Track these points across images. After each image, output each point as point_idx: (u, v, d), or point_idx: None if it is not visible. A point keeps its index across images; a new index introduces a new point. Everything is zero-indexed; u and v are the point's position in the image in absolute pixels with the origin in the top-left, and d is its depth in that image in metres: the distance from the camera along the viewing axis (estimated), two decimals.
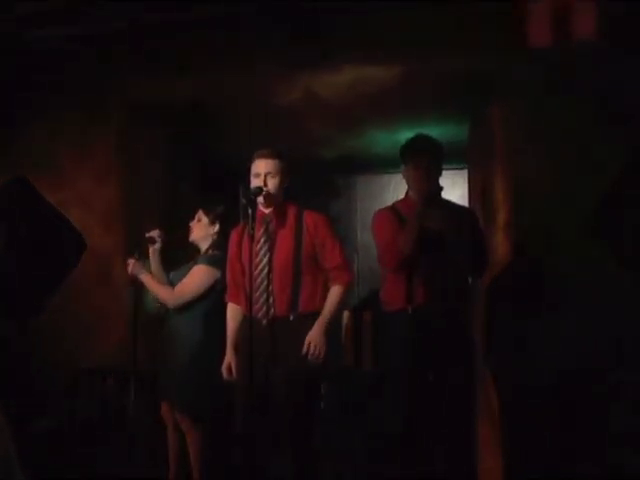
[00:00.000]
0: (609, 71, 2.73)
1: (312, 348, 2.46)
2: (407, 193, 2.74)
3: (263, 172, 2.55)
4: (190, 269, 2.92)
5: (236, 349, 2.60)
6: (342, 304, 2.60)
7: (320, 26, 2.97)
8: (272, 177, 2.55)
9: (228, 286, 2.69)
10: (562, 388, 2.60)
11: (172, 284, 2.96)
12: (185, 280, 2.89)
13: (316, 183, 4.14)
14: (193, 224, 3.01)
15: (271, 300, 2.50)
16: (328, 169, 4.33)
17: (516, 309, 2.76)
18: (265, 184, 2.54)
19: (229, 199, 3.64)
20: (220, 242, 2.92)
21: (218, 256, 2.86)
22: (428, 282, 2.56)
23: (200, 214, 2.99)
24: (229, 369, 2.60)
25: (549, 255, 2.78)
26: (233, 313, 2.67)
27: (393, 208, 2.75)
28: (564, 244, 2.73)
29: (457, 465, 2.55)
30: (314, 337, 2.48)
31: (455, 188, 3.93)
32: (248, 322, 2.42)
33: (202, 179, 3.71)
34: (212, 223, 2.97)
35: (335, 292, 2.55)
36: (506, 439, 2.72)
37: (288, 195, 2.63)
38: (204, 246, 2.99)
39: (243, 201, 2.54)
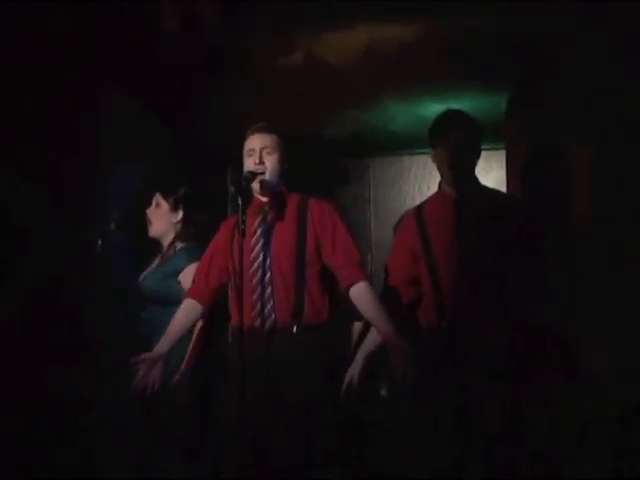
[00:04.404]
0: None
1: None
2: (440, 186, 2.72)
3: (258, 147, 2.57)
4: (168, 271, 2.88)
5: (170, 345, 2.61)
6: (381, 310, 2.49)
7: None
8: (269, 154, 2.58)
9: (196, 281, 2.70)
10: None
11: (145, 287, 2.93)
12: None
13: (320, 167, 4.11)
14: (150, 211, 2.97)
15: (270, 306, 2.52)
16: (335, 150, 4.31)
17: None
18: (261, 161, 2.57)
19: (216, 187, 3.67)
20: (186, 231, 2.94)
21: (194, 248, 2.87)
22: (464, 292, 2.56)
23: (158, 198, 2.95)
24: (155, 365, 2.57)
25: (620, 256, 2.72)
26: (189, 309, 2.66)
27: (419, 213, 2.73)
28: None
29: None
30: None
31: (490, 172, 3.93)
32: (238, 332, 2.41)
33: (185, 161, 3.71)
34: (174, 209, 2.94)
35: (364, 291, 2.48)
36: None
37: (290, 184, 2.65)
38: (168, 238, 2.96)
39: (232, 189, 2.67)
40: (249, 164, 2.60)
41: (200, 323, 2.83)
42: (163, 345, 2.63)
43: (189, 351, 2.83)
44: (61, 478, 2.92)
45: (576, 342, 2.73)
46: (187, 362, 2.82)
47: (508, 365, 2.52)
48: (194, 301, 2.68)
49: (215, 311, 2.77)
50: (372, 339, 2.66)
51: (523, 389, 2.53)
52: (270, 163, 2.58)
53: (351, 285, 2.53)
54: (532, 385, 2.56)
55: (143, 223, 3.04)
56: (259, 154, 2.57)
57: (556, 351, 2.68)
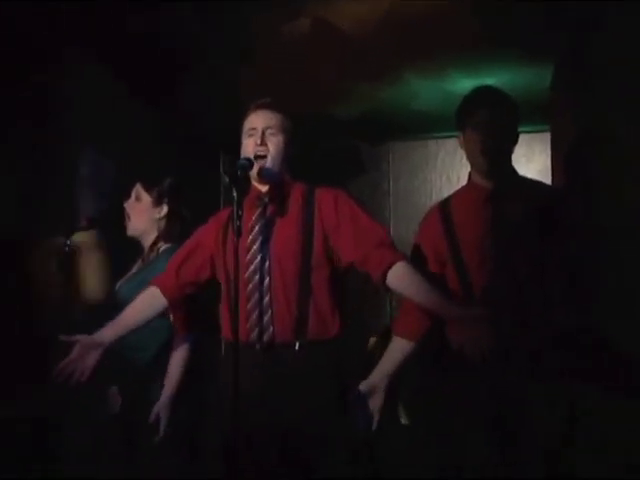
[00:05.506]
0: None
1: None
2: (470, 176, 2.62)
3: (261, 127, 2.48)
4: (150, 277, 2.71)
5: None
6: (428, 285, 2.37)
7: None
8: (273, 135, 2.48)
9: (166, 270, 2.62)
10: None
11: (122, 296, 2.82)
12: None
13: (330, 152, 4.08)
14: (129, 204, 2.89)
15: (267, 317, 2.42)
16: (348, 133, 4.30)
17: None
18: (263, 142, 2.46)
19: (207, 177, 3.65)
20: (171, 230, 2.86)
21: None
22: (501, 303, 2.44)
23: (138, 190, 2.87)
24: (90, 352, 2.47)
25: None
26: (151, 299, 2.58)
27: (445, 208, 2.66)
28: None
29: None
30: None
31: (532, 158, 3.96)
32: (231, 347, 2.29)
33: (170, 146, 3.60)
34: (157, 203, 2.85)
35: (403, 272, 2.36)
36: None
37: (294, 174, 2.57)
38: (149, 238, 2.87)
39: (226, 179, 2.47)
40: (249, 146, 2.48)
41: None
42: (107, 334, 2.52)
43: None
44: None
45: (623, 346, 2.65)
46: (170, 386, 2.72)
47: (553, 385, 2.38)
48: (158, 292, 2.59)
49: (202, 320, 2.72)
50: (392, 356, 2.56)
51: (573, 404, 2.42)
52: (274, 146, 2.47)
53: (387, 269, 2.37)
54: (581, 398, 2.45)
55: (121, 219, 2.92)
56: (261, 134, 2.47)
57: (604, 358, 2.56)
